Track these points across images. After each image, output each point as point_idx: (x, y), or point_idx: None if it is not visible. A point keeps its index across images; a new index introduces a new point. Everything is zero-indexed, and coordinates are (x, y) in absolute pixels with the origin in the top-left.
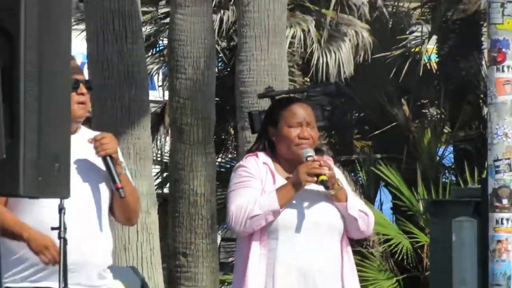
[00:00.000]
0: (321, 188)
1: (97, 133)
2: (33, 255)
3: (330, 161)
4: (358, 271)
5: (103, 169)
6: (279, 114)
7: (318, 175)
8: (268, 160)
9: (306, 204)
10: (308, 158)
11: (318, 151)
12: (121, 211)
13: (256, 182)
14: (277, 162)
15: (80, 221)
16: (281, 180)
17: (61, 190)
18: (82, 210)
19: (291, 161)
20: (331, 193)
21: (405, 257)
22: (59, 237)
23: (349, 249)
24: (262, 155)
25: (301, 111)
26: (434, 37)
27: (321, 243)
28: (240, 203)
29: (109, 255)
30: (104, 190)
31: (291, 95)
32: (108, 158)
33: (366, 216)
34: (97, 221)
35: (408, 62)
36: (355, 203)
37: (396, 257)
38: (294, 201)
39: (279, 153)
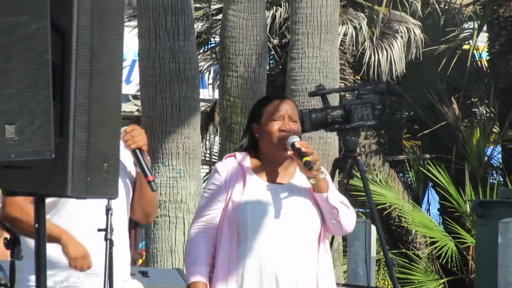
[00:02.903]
0: (299, 186)
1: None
2: (64, 259)
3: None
4: (404, 273)
5: (125, 165)
6: (262, 110)
7: (302, 157)
8: (246, 161)
9: (280, 203)
10: (295, 143)
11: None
12: (141, 207)
13: (222, 192)
14: (258, 159)
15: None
16: (254, 181)
17: (109, 190)
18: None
19: (273, 159)
20: (312, 182)
21: (450, 259)
22: (105, 239)
23: (328, 248)
24: (240, 156)
25: (283, 106)
26: (485, 35)
27: (295, 243)
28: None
29: (129, 255)
30: (129, 189)
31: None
32: (138, 151)
33: (347, 209)
34: (121, 221)
35: (458, 59)
36: (337, 195)
37: (441, 259)
38: (268, 200)
39: (262, 151)
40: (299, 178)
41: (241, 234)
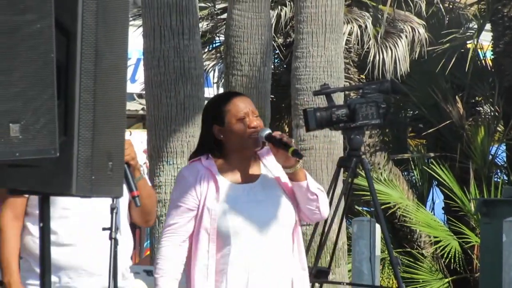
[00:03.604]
0: (269, 181)
1: None
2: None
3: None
4: (409, 272)
5: None
6: (222, 111)
7: (287, 147)
8: (212, 165)
9: (257, 202)
10: (274, 135)
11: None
12: (139, 214)
13: (193, 200)
14: (225, 162)
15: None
16: (226, 184)
17: (114, 189)
18: (105, 210)
19: (242, 158)
20: (290, 171)
21: (453, 259)
22: (110, 238)
23: (300, 236)
24: (205, 160)
25: (243, 103)
26: (490, 34)
27: (277, 240)
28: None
29: (129, 256)
30: (125, 190)
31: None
32: (125, 165)
33: (324, 195)
34: (120, 222)
35: (462, 58)
36: (313, 181)
37: (445, 258)
38: (244, 202)
39: (228, 152)
40: (265, 173)
41: (222, 240)
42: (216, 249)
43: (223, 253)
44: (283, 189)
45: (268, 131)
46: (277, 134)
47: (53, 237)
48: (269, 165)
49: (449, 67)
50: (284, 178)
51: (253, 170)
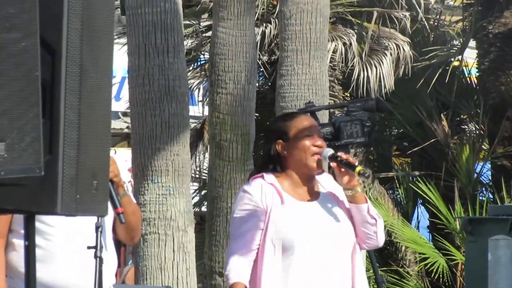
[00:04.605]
0: (330, 201)
1: None
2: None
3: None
4: None
5: None
6: (288, 127)
7: (353, 167)
8: (274, 180)
9: (320, 220)
10: (340, 155)
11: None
12: (124, 231)
13: (258, 213)
14: (286, 178)
15: (88, 240)
16: (289, 199)
17: (98, 208)
18: (90, 228)
19: (304, 176)
20: (350, 193)
21: (441, 276)
22: (95, 256)
23: (361, 261)
24: (268, 176)
25: (310, 122)
26: (475, 52)
27: (335, 258)
28: (233, 264)
29: (113, 273)
30: (109, 207)
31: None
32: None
33: (381, 220)
34: (105, 239)
35: (447, 76)
36: (372, 206)
37: (432, 276)
38: (306, 218)
39: (290, 168)
40: (325, 193)
41: (287, 254)
42: (281, 263)
43: (286, 267)
44: (343, 209)
45: (331, 151)
46: (341, 154)
47: (38, 254)
48: (326, 186)
49: (434, 85)
50: (342, 199)
51: (313, 189)
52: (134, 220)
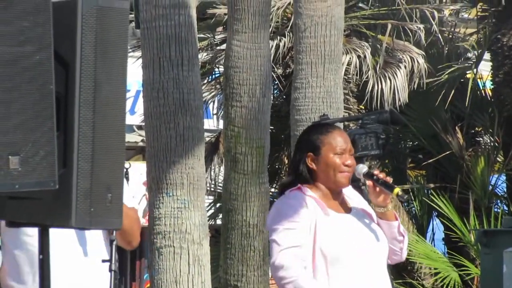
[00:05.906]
0: (362, 214)
1: None
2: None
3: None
4: None
5: None
6: (321, 141)
7: (390, 188)
8: (312, 193)
9: (358, 232)
10: (376, 174)
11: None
12: (119, 235)
13: (306, 225)
14: (317, 190)
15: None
16: (331, 211)
17: (113, 221)
18: (68, 235)
19: (331, 189)
20: (381, 210)
21: None
22: (110, 270)
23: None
24: (304, 188)
25: (343, 138)
26: (489, 64)
27: (376, 271)
28: (289, 265)
29: (107, 280)
30: None
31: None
32: None
33: (406, 236)
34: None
35: (461, 89)
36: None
37: None
38: (348, 229)
39: (318, 180)
40: (356, 207)
41: (333, 265)
42: (326, 271)
43: (332, 275)
44: (377, 224)
45: (366, 168)
46: (378, 173)
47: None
48: (353, 198)
49: (449, 98)
50: (371, 213)
51: (344, 202)
52: (126, 223)
